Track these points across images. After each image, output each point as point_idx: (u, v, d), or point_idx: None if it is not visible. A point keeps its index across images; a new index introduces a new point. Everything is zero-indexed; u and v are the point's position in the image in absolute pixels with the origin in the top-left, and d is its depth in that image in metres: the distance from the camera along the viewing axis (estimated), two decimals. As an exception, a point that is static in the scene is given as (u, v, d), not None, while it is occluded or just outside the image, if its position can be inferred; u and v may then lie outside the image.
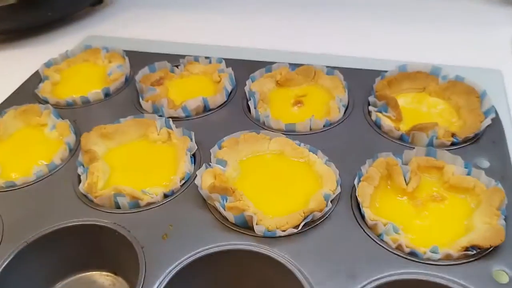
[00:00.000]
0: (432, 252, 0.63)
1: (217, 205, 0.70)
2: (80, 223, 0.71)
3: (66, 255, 0.72)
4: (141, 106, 0.94)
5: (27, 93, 1.00)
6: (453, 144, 0.80)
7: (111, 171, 0.79)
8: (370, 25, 1.28)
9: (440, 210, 0.70)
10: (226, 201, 0.69)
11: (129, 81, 1.02)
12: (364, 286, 0.60)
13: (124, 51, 1.08)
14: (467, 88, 0.89)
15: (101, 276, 0.74)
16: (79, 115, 0.93)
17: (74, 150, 0.84)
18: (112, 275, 0.74)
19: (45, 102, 0.96)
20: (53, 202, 0.75)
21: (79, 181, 0.78)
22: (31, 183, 0.79)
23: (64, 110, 0.94)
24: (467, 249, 0.62)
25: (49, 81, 1.00)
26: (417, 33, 1.22)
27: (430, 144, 0.81)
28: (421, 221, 0.69)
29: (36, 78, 1.05)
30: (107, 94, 0.98)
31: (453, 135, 0.80)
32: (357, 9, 1.36)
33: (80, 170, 0.79)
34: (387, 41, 1.19)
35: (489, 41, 1.17)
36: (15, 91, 1.02)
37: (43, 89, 0.98)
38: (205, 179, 0.73)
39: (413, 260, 0.63)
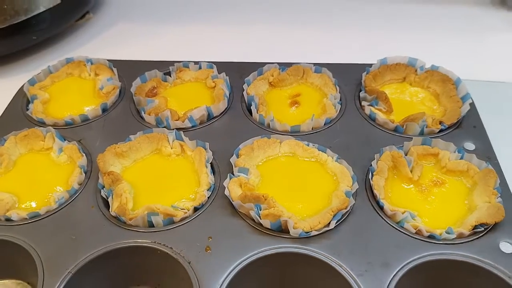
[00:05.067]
0: (448, 233, 0.72)
1: (252, 213, 0.75)
2: (120, 246, 0.73)
3: (108, 275, 0.74)
4: (143, 119, 0.95)
5: (17, 115, 0.96)
6: (441, 130, 0.90)
7: (134, 190, 0.81)
8: (358, 33, 1.35)
9: (443, 194, 0.80)
10: (260, 209, 0.74)
11: (122, 93, 1.01)
12: (397, 272, 0.69)
13: (109, 61, 1.07)
14: (442, 76, 1.00)
15: (145, 291, 0.77)
16: (82, 134, 0.92)
17: (89, 172, 0.84)
18: (155, 289, 0.77)
19: (41, 123, 0.94)
20: (85, 228, 0.76)
21: (104, 203, 0.80)
22: (55, 211, 0.78)
23: (64, 130, 0.92)
24: (475, 226, 0.73)
25: (39, 100, 0.97)
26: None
27: (422, 132, 0.90)
28: (429, 205, 0.79)
29: (21, 98, 1.01)
30: (104, 110, 0.97)
31: (440, 122, 0.90)
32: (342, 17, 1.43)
33: (103, 192, 0.80)
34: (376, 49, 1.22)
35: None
36: (3, 113, 0.97)
37: (35, 110, 0.95)
38: (232, 189, 0.78)
39: (433, 242, 0.72)
